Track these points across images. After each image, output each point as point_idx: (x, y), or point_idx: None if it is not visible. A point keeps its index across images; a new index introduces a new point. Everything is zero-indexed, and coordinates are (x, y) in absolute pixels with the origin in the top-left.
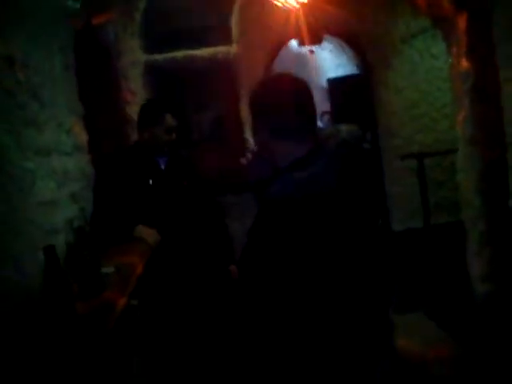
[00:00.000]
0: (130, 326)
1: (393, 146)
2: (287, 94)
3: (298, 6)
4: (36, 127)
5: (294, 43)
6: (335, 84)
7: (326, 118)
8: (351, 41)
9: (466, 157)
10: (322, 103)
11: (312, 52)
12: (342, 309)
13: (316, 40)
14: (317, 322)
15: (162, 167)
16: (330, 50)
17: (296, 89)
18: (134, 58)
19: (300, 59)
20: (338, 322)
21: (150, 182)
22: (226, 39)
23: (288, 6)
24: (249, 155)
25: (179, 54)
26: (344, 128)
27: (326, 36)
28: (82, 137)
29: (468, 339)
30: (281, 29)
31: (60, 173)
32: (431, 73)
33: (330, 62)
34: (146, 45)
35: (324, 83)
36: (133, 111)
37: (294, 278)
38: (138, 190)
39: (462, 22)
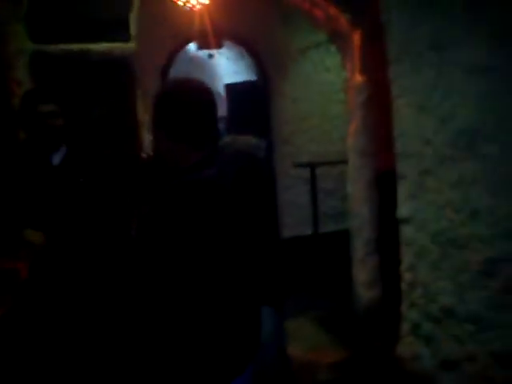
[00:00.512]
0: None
1: (286, 154)
2: (194, 99)
3: (198, 6)
4: None
5: (191, 46)
6: (232, 89)
7: (222, 123)
8: (250, 49)
9: (356, 167)
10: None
11: (211, 56)
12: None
13: (216, 44)
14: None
15: (56, 163)
16: (227, 58)
17: (202, 95)
18: (20, 45)
19: (196, 63)
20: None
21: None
22: (124, 35)
23: (189, 5)
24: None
25: (74, 46)
26: (241, 137)
27: (225, 42)
28: None
29: (354, 343)
30: (182, 29)
31: None
32: (324, 85)
33: (226, 68)
34: (34, 33)
35: (220, 89)
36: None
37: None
38: (26, 189)
39: (356, 39)
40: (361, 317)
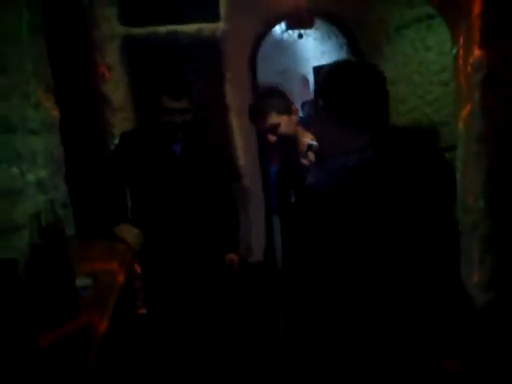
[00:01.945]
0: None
1: None
2: (368, 76)
3: None
4: None
5: (276, 29)
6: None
7: (307, 108)
8: (342, 27)
9: (472, 154)
10: (302, 93)
11: (301, 36)
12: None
13: (308, 23)
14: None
15: (178, 153)
16: (315, 39)
17: (376, 71)
18: (110, 29)
19: (281, 47)
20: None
21: (154, 173)
22: (213, 14)
23: None
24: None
25: (162, 28)
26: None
27: (316, 20)
28: (53, 113)
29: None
30: (273, 7)
31: (25, 155)
32: (424, 65)
33: (313, 50)
34: (124, 15)
35: (304, 72)
36: (109, 89)
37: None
38: (144, 179)
39: (477, 7)
40: (475, 321)
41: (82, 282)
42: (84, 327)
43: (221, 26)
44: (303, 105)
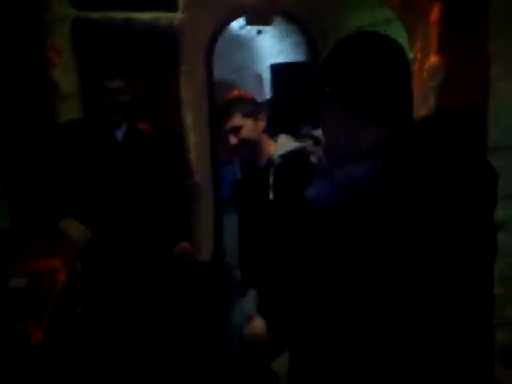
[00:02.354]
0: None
1: None
2: (380, 58)
3: None
4: None
5: (233, 24)
6: (278, 71)
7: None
8: (302, 26)
9: None
10: (256, 90)
11: (260, 32)
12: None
13: (267, 19)
14: None
15: (120, 140)
16: (272, 36)
17: (396, 49)
18: (62, 11)
19: (238, 43)
20: None
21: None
22: (171, 4)
23: None
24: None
25: (117, 14)
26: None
27: (275, 17)
28: None
29: None
30: (232, 1)
31: None
32: None
33: (271, 47)
34: None
35: (260, 70)
36: (57, 75)
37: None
38: (85, 168)
39: (435, 13)
40: None
41: (15, 283)
42: (16, 338)
43: (178, 16)
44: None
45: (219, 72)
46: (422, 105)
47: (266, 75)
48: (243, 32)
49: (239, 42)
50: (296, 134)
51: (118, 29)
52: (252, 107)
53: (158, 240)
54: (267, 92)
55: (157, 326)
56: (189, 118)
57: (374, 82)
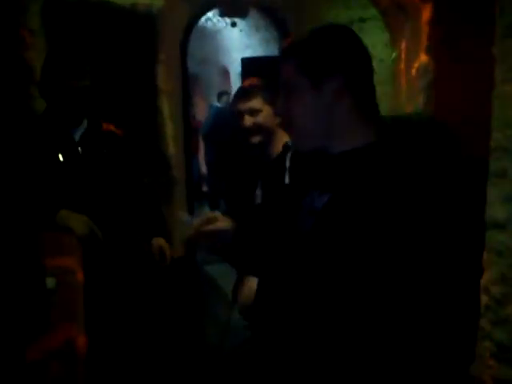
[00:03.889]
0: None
1: None
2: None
3: None
4: None
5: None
6: (250, 65)
7: (225, 98)
8: (276, 19)
9: None
10: (220, 83)
11: (234, 25)
12: None
13: (242, 11)
14: None
15: (77, 138)
16: (241, 30)
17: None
18: None
19: (204, 34)
20: None
21: (60, 157)
22: None
23: None
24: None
25: None
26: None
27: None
28: None
29: None
30: None
31: None
32: None
33: (238, 41)
34: None
35: (225, 63)
36: (30, 57)
37: None
38: (48, 166)
39: (426, 12)
40: None
41: (48, 283)
42: (63, 344)
43: (156, 2)
44: (221, 95)
45: None
46: (409, 103)
47: (233, 68)
48: (209, 24)
49: (205, 34)
50: None
51: (94, 12)
52: (273, 97)
53: (129, 237)
54: (234, 85)
55: (133, 320)
56: (166, 109)
57: (370, 77)
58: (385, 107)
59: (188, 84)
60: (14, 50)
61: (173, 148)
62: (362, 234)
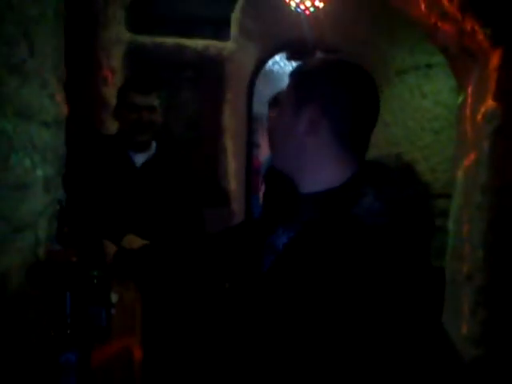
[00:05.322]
0: None
1: None
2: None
3: (312, 9)
4: (20, 77)
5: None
6: None
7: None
8: None
9: (472, 204)
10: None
11: None
12: None
13: (309, 55)
14: None
15: (138, 164)
16: None
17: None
18: (119, 33)
19: (269, 77)
20: None
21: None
22: (223, 34)
23: (302, 8)
24: None
25: (169, 40)
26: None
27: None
28: (63, 109)
29: None
30: (277, 35)
31: (38, 148)
32: (418, 112)
33: None
34: (131, 21)
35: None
36: (110, 94)
37: None
38: (107, 190)
39: (495, 57)
40: (461, 377)
41: (113, 298)
42: (120, 353)
43: (229, 46)
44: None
45: None
46: (474, 148)
47: None
48: (276, 67)
49: (271, 77)
50: None
51: (169, 54)
52: None
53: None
54: None
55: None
56: (230, 146)
57: (365, 118)
58: (449, 153)
59: (253, 125)
60: (95, 86)
61: (234, 184)
62: (311, 284)
